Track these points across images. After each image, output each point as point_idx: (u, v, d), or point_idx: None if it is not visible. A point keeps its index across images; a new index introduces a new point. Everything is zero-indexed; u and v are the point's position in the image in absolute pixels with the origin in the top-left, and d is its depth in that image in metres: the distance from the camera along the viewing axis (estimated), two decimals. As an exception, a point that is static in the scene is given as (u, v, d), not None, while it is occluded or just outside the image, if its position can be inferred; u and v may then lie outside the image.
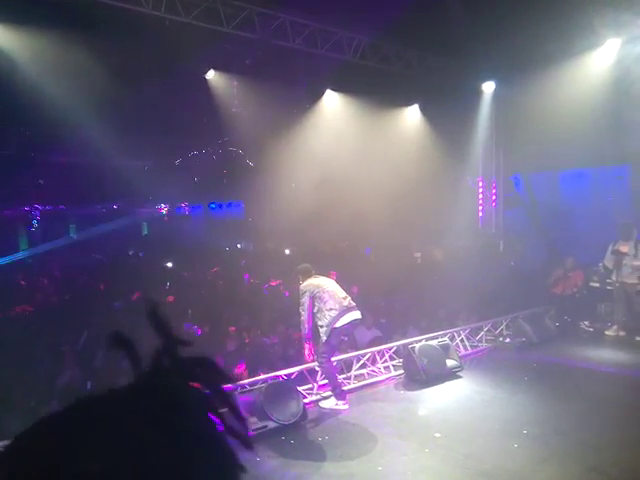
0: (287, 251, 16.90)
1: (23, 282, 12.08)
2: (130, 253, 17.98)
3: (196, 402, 0.63)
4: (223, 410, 0.66)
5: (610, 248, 9.35)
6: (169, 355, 0.64)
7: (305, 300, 6.27)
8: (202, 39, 7.36)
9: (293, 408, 5.90)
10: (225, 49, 7.93)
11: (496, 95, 11.61)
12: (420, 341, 7.63)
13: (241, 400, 5.87)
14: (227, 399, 0.67)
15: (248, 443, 0.67)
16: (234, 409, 0.68)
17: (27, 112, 8.11)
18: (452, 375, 7.38)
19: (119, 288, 12.08)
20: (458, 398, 6.66)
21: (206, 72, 9.26)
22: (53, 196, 16.29)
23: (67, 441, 0.54)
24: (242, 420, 0.71)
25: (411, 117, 12.26)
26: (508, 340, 9.04)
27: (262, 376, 6.73)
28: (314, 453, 5.25)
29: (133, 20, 6.83)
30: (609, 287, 9.48)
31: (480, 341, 8.94)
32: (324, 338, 6.29)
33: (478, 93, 11.65)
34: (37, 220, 17.74)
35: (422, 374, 7.11)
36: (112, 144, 9.86)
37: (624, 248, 9.08)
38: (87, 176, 13.32)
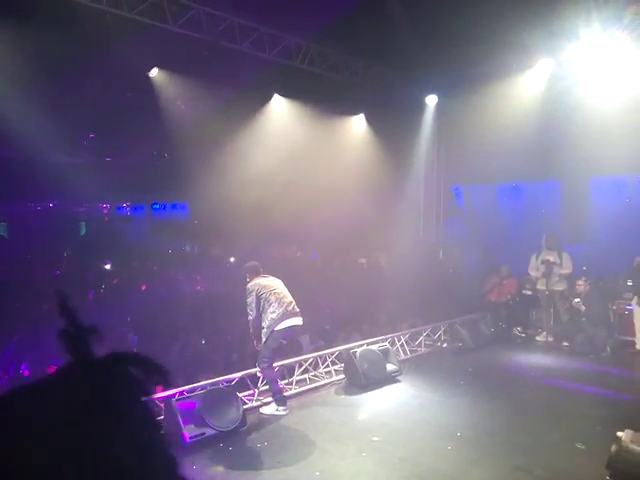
0: (232, 259, 16.68)
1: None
2: (65, 254, 17.14)
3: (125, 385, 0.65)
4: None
5: (534, 257, 9.88)
6: (81, 342, 0.66)
7: (252, 300, 6.21)
8: (146, 36, 7.16)
9: (232, 414, 5.83)
10: (171, 48, 7.75)
11: (438, 108, 12.01)
12: (362, 346, 7.74)
13: (179, 407, 5.73)
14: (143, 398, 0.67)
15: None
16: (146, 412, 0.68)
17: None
18: (391, 379, 7.53)
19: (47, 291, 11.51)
20: (396, 402, 6.80)
21: (149, 70, 9.01)
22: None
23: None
24: (154, 423, 0.70)
25: (357, 126, 12.46)
26: (446, 345, 9.34)
27: (201, 382, 6.60)
28: (253, 460, 5.20)
29: (71, 11, 6.54)
30: (539, 295, 9.99)
31: (419, 346, 9.17)
32: (263, 339, 6.26)
33: (422, 105, 12.00)
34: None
35: (362, 379, 7.21)
36: (47, 140, 9.39)
37: (551, 257, 9.62)
38: (19, 172, 12.60)
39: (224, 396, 6.03)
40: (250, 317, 6.30)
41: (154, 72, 9.08)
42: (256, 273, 6.40)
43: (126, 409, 0.64)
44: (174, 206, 23.20)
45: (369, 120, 12.20)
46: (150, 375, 0.67)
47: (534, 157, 10.15)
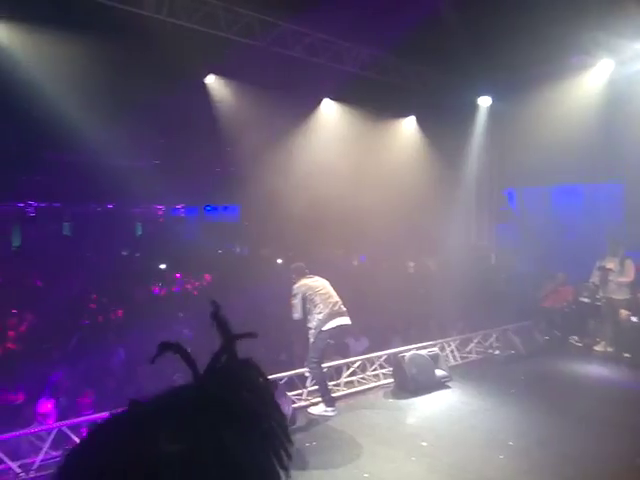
0: (279, 260, 16.92)
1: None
2: (124, 253, 17.95)
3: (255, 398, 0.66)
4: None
5: (597, 264, 9.47)
6: (228, 354, 0.68)
7: (298, 301, 6.28)
8: (202, 44, 7.42)
9: (282, 413, 5.91)
10: (225, 54, 8.00)
11: (492, 110, 11.75)
12: (410, 350, 7.68)
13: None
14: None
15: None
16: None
17: (26, 110, 8.13)
18: (441, 385, 7.43)
19: (115, 291, 12.10)
20: (446, 408, 6.71)
21: (205, 76, 9.32)
22: (48, 193, 16.27)
23: (147, 427, 0.59)
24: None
25: (407, 129, 12.38)
26: (497, 352, 9.10)
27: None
28: (301, 458, 5.26)
29: (135, 22, 6.89)
30: (598, 303, 9.57)
31: (470, 352, 9.00)
32: (311, 340, 6.31)
33: (474, 107, 11.78)
34: (32, 216, 17.70)
35: (411, 383, 7.15)
36: (110, 144, 9.89)
37: (610, 264, 9.19)
38: (83, 175, 13.32)
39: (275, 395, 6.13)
40: (295, 317, 6.38)
41: (210, 78, 9.39)
42: (302, 274, 6.46)
43: (266, 414, 0.65)
44: (225, 208, 23.78)
45: (420, 122, 12.10)
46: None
47: (594, 158, 9.75)
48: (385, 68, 9.71)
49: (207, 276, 13.34)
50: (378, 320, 10.55)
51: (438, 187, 11.49)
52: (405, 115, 12.14)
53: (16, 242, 17.06)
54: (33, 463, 5.16)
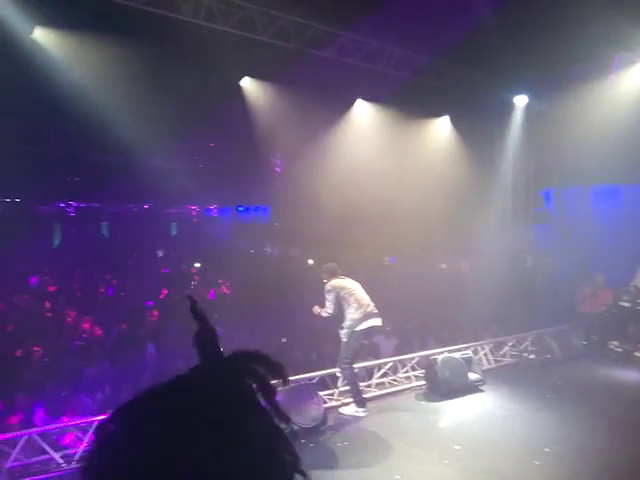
0: (310, 261, 16.97)
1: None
2: (159, 254, 18.35)
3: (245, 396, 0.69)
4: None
5: (640, 268, 9.16)
6: (211, 345, 0.72)
7: (331, 299, 6.31)
8: (238, 47, 7.54)
9: (314, 412, 5.95)
10: (260, 57, 8.11)
11: (528, 108, 11.51)
12: (443, 353, 7.61)
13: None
14: (270, 394, 0.72)
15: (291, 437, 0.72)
16: (275, 406, 0.73)
17: (67, 111, 8.43)
18: (474, 388, 7.34)
19: (148, 287, 12.41)
20: (480, 412, 6.61)
21: (241, 79, 9.46)
22: (87, 193, 16.83)
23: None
24: (283, 417, 0.73)
25: (441, 128, 12.24)
26: (533, 356, 8.91)
27: (283, 379, 6.81)
28: (333, 458, 5.29)
29: (173, 27, 7.06)
30: (639, 307, 9.25)
31: (504, 356, 8.84)
32: (344, 340, 6.33)
33: (510, 106, 11.56)
34: (71, 216, 18.32)
35: (444, 386, 7.09)
36: (147, 146, 10.15)
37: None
38: (121, 176, 13.72)
39: (306, 393, 6.17)
40: (326, 315, 6.41)
41: (245, 81, 9.54)
42: (334, 274, 6.50)
43: (258, 408, 0.67)
44: (257, 209, 24.01)
45: (454, 122, 11.95)
46: (271, 372, 0.71)
47: (635, 158, 9.43)
48: (418, 68, 9.64)
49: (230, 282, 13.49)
50: (409, 322, 10.47)
51: (472, 187, 11.32)
52: (439, 115, 12.01)
53: (56, 241, 17.68)
54: (74, 454, 5.35)
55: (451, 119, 12.04)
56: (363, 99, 10.87)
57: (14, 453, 5.02)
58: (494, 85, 10.40)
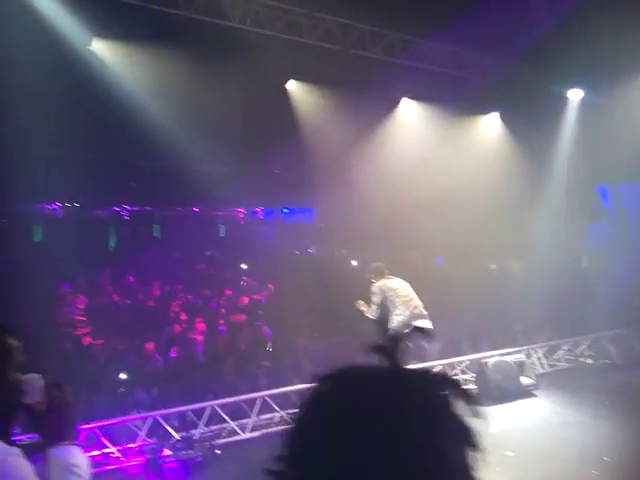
0: (354, 262, 16.92)
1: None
2: (207, 254, 18.81)
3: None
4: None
5: None
6: (395, 355, 0.73)
7: (378, 300, 6.25)
8: (284, 50, 7.64)
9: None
10: (306, 59, 8.18)
11: (583, 102, 11.03)
12: (494, 356, 7.42)
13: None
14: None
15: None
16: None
17: (122, 120, 8.79)
18: (527, 393, 7.13)
19: (195, 287, 12.75)
20: (533, 418, 6.41)
21: (287, 81, 9.59)
22: (140, 198, 17.49)
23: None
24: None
25: (490, 125, 11.94)
26: (590, 361, 8.54)
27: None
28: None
29: (221, 33, 7.24)
30: None
31: (559, 360, 8.52)
32: None
33: (563, 100, 11.13)
34: (126, 219, 19.09)
35: (495, 390, 6.92)
36: (196, 150, 10.44)
37: None
38: (172, 180, 14.17)
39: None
40: (372, 317, 6.34)
41: (291, 83, 9.66)
42: (381, 274, 6.42)
43: (440, 423, 0.66)
44: (302, 210, 24.18)
45: (504, 118, 11.63)
46: (458, 395, 0.69)
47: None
48: (465, 64, 9.46)
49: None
50: (457, 324, 10.27)
51: (523, 185, 10.97)
52: (488, 111, 11.71)
53: (112, 243, 18.47)
54: (131, 449, 5.58)
55: (501, 115, 11.71)
56: (409, 97, 10.76)
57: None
58: (546, 79, 10.04)
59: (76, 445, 1.48)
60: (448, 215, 11.19)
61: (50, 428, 1.43)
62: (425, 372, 0.72)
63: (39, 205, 16.51)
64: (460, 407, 0.69)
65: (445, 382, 0.71)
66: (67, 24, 6.59)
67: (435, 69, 9.00)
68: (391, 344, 0.73)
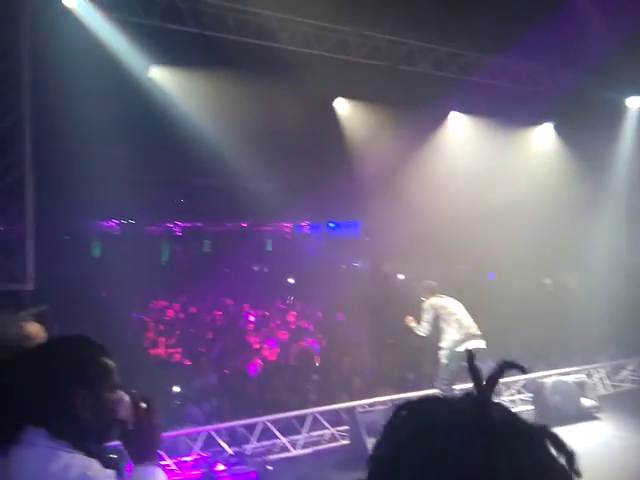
0: (401, 276, 16.73)
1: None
2: (255, 269, 19.14)
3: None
4: None
5: None
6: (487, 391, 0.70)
7: (429, 318, 6.15)
8: (331, 68, 7.76)
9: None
10: (353, 76, 8.28)
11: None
12: (552, 376, 7.13)
13: (363, 419, 5.94)
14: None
15: None
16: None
17: (176, 140, 9.17)
18: (588, 416, 6.80)
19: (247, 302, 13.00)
20: (595, 442, 6.10)
21: (334, 99, 9.72)
22: (192, 214, 18.07)
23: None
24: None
25: (543, 136, 11.60)
26: (657, 383, 8.06)
27: (382, 398, 6.76)
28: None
29: (269, 55, 7.45)
30: None
31: (623, 381, 8.08)
32: (445, 362, 6.12)
33: (621, 109, 10.68)
34: (178, 235, 19.76)
35: (554, 412, 6.64)
36: (245, 168, 10.71)
37: None
38: (221, 196, 14.59)
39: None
40: (421, 334, 6.26)
41: (338, 101, 9.81)
42: (432, 293, 6.34)
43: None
44: (347, 224, 24.21)
45: (558, 129, 11.28)
46: (557, 450, 0.65)
47: None
48: (517, 75, 9.27)
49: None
50: (511, 342, 9.95)
51: (580, 197, 10.55)
52: (540, 122, 11.40)
53: (164, 258, 19.11)
54: (186, 462, 5.69)
55: (555, 126, 11.37)
56: (458, 111, 10.65)
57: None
58: (603, 87, 9.68)
59: (159, 466, 1.53)
60: (500, 229, 10.91)
61: (136, 446, 1.48)
62: (517, 419, 0.66)
63: (97, 222, 17.34)
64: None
65: (542, 434, 0.65)
66: (127, 53, 6.98)
67: (485, 81, 8.87)
68: (484, 384, 0.70)
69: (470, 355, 0.78)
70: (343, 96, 9.76)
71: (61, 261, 10.86)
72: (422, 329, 6.26)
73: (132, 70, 7.22)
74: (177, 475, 5.60)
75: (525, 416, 0.67)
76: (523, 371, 0.77)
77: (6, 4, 5.71)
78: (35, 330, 1.73)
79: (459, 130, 10.96)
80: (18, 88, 5.60)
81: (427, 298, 6.30)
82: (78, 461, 1.32)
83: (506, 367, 0.73)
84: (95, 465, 1.33)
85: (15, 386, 1.40)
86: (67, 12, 6.20)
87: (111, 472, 1.37)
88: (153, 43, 6.96)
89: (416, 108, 9.33)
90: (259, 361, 8.95)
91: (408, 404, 0.70)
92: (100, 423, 1.43)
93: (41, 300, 6.34)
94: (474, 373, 0.72)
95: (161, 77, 7.93)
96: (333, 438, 6.54)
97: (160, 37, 6.79)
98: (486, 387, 0.69)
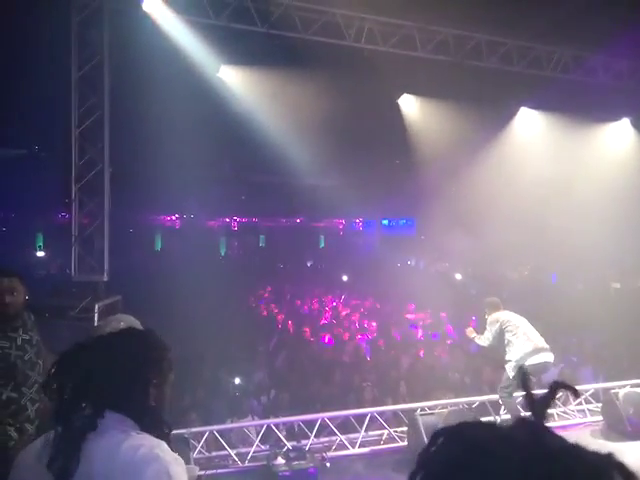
0: (458, 275, 16.36)
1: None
2: (309, 264, 19.33)
3: None
4: None
5: None
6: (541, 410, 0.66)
7: (495, 329, 6.03)
8: (397, 64, 7.66)
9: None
10: (419, 72, 8.13)
11: None
12: (625, 386, 6.73)
13: (423, 421, 5.84)
14: None
15: None
16: None
17: (239, 138, 9.35)
18: (665, 431, 6.35)
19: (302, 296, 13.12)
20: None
21: (400, 96, 9.59)
22: (249, 210, 18.47)
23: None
24: None
25: (620, 133, 10.95)
26: None
27: (442, 401, 6.63)
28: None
29: (335, 52, 7.44)
30: None
31: None
32: (511, 374, 5.94)
33: None
34: (235, 230, 20.27)
35: (626, 425, 6.25)
36: (302, 165, 10.78)
37: None
38: (278, 193, 14.79)
39: (465, 419, 5.90)
40: (484, 344, 6.15)
41: (404, 98, 9.66)
42: (496, 309, 6.23)
43: None
44: (402, 221, 23.95)
45: (636, 124, 10.63)
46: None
47: None
48: (592, 69, 8.79)
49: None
50: (575, 349, 9.52)
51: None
52: (616, 118, 10.78)
53: (222, 251, 19.64)
54: (247, 453, 5.79)
55: (632, 122, 10.71)
56: (528, 107, 10.23)
57: (198, 446, 5.60)
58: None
59: None
60: (567, 229, 10.45)
61: None
62: (577, 447, 0.60)
63: (160, 216, 18.03)
64: None
65: (609, 464, 0.58)
66: (198, 53, 7.17)
67: (556, 76, 8.47)
68: (538, 406, 0.64)
69: (524, 378, 0.72)
70: (409, 92, 9.59)
71: (127, 253, 11.34)
72: (484, 339, 6.19)
73: (202, 70, 7.41)
74: (237, 466, 5.71)
75: (593, 428, 0.61)
76: (575, 393, 0.71)
77: (91, 10, 5.99)
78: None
79: (529, 126, 10.52)
80: (100, 89, 5.89)
81: (489, 314, 6.18)
82: (148, 441, 1.39)
83: (559, 388, 0.67)
84: (164, 445, 1.40)
85: (96, 370, 1.47)
86: (145, 16, 6.44)
87: (177, 456, 1.42)
88: (223, 43, 7.11)
89: (484, 104, 9.06)
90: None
91: (447, 430, 0.64)
92: (160, 413, 1.53)
93: (113, 291, 6.66)
94: (528, 396, 0.67)
95: (230, 76, 8.09)
96: (391, 438, 6.48)
97: (230, 37, 6.93)
98: (539, 410, 0.64)
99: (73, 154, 5.83)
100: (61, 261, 7.16)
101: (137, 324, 2.32)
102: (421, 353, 9.66)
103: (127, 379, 1.47)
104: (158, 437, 1.44)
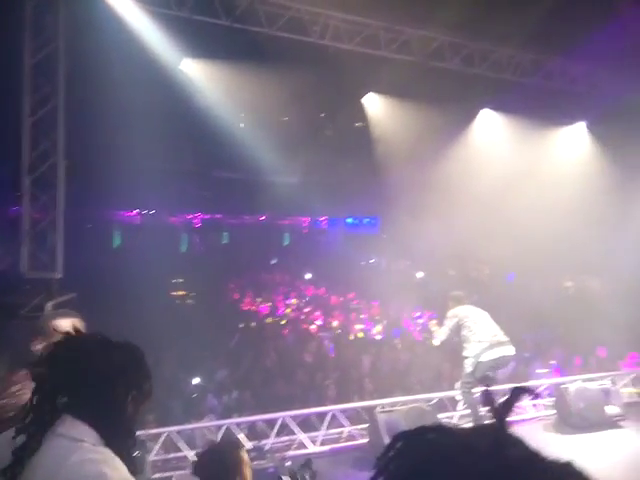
0: (419, 274, 16.59)
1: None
2: (272, 262, 19.18)
3: None
4: None
5: None
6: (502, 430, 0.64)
7: (452, 324, 6.12)
8: (361, 63, 7.69)
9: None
10: (382, 72, 8.19)
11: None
12: (575, 381, 7.00)
13: (383, 419, 5.89)
14: None
15: None
16: None
17: (201, 133, 9.17)
18: (613, 424, 6.67)
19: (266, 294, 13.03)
20: (619, 452, 5.97)
21: (364, 95, 9.64)
22: (213, 206, 18.17)
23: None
24: None
25: (575, 136, 11.34)
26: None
27: (401, 398, 6.71)
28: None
29: (299, 49, 7.40)
30: None
31: (648, 389, 7.91)
32: (469, 370, 6.05)
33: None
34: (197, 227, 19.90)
35: (577, 419, 6.52)
36: (268, 162, 10.68)
37: None
38: (242, 190, 14.62)
39: (425, 416, 5.99)
40: (441, 338, 6.27)
41: (368, 97, 9.71)
42: (459, 303, 6.33)
43: None
44: (365, 220, 24.10)
45: (591, 128, 11.03)
46: None
47: None
48: (549, 73, 9.06)
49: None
50: (531, 347, 9.81)
51: (611, 199, 10.31)
52: (572, 122, 11.15)
53: (183, 248, 19.25)
54: (206, 454, 5.70)
55: (587, 126, 11.11)
56: (489, 108, 10.48)
57: (156, 448, 5.48)
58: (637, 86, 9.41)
59: None
60: (523, 229, 10.74)
61: None
62: (537, 457, 0.59)
63: (119, 212, 17.51)
64: None
65: (568, 474, 0.59)
66: (160, 45, 6.99)
67: (516, 79, 8.71)
68: (500, 411, 0.63)
69: (483, 377, 0.71)
70: (374, 91, 9.66)
71: (84, 250, 10.96)
72: (440, 334, 6.30)
73: (163, 62, 7.23)
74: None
75: (547, 422, 0.61)
76: (536, 397, 0.71)
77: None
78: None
79: (489, 128, 10.77)
80: (54, 78, 5.65)
81: (453, 307, 6.28)
82: (99, 456, 1.34)
83: (520, 393, 0.67)
84: (116, 462, 1.36)
85: (68, 371, 1.43)
86: (101, 3, 6.21)
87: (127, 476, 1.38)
88: (185, 36, 6.96)
89: (446, 104, 9.21)
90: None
91: (407, 434, 0.62)
92: (131, 425, 1.51)
93: (66, 288, 6.41)
94: (488, 401, 0.66)
95: (192, 69, 7.93)
96: (352, 436, 6.52)
97: (192, 30, 6.78)
98: (501, 414, 0.63)
99: (24, 145, 5.58)
100: (11, 257, 6.83)
101: (81, 324, 2.24)
102: (383, 350, 9.74)
103: (102, 385, 1.44)
104: (119, 450, 1.39)
